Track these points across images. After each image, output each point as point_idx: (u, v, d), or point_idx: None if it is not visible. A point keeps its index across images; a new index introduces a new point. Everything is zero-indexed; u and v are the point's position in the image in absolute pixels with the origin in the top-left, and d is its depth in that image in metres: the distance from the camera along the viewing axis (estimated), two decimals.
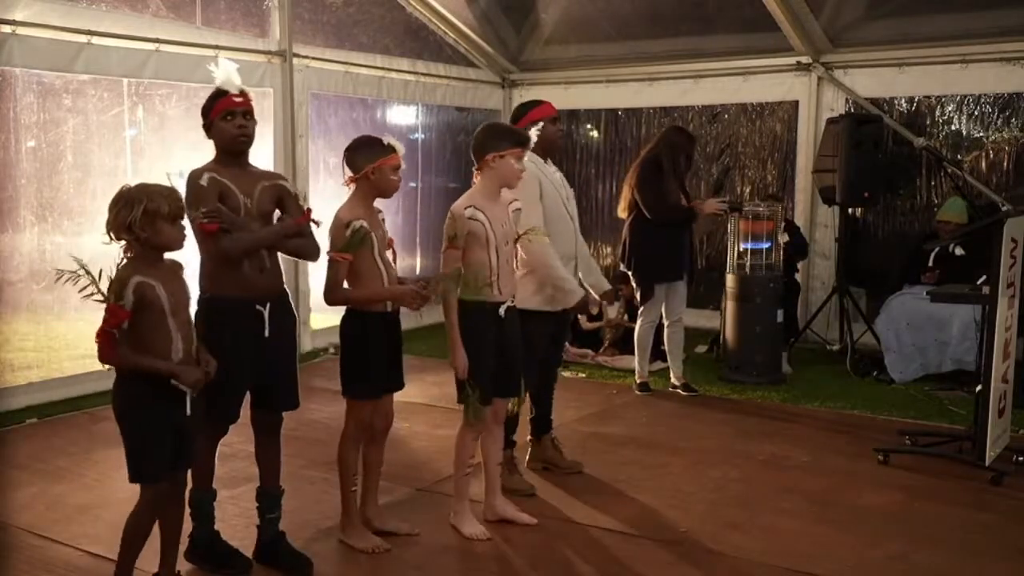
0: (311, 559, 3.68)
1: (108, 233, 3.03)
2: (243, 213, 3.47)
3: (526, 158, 4.34)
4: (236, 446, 4.20)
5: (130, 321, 2.95)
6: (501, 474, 4.44)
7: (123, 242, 3.03)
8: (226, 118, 3.50)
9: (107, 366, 3.04)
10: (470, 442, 3.98)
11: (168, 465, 3.13)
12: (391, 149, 3.66)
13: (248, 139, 3.56)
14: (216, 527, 3.72)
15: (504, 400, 4.02)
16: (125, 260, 3.03)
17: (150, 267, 3.02)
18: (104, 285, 2.96)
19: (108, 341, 2.95)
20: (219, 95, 3.53)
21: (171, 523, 3.31)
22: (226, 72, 3.56)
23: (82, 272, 2.95)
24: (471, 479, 4.05)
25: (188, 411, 3.10)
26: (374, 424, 3.86)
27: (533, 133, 4.01)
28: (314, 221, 3.63)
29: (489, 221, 3.77)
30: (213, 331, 3.37)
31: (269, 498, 3.73)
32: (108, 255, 3.07)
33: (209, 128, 3.55)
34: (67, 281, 2.97)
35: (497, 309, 3.83)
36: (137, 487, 3.16)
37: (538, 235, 4.11)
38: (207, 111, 3.55)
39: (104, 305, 2.94)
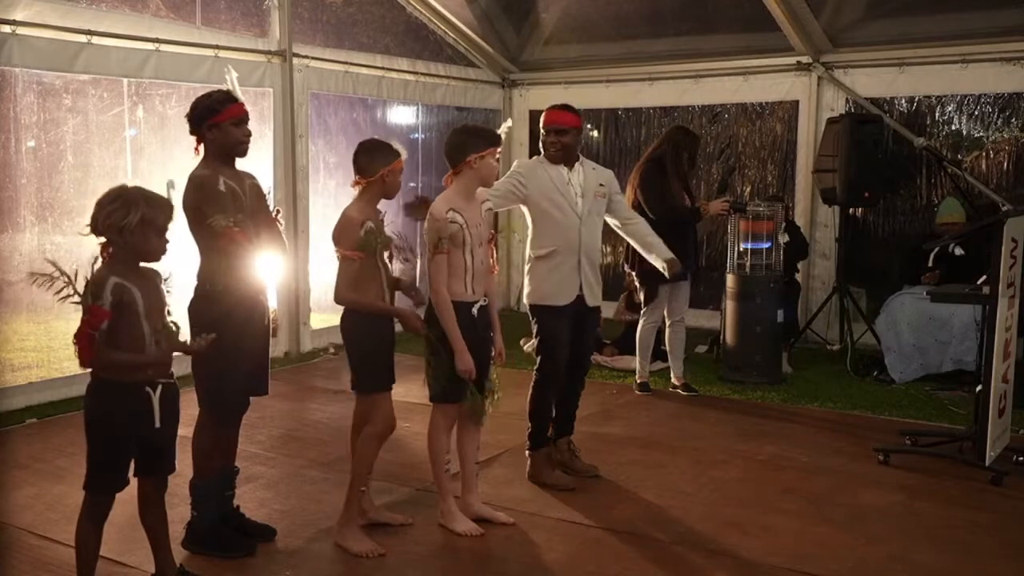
0: (274, 528, 3.90)
1: (93, 228, 3.02)
2: (246, 212, 3.64)
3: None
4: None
5: (108, 322, 2.93)
6: (541, 471, 4.57)
7: (103, 240, 3.02)
8: (237, 124, 3.64)
9: (87, 369, 3.03)
10: (443, 439, 4.03)
11: (124, 477, 3.15)
12: (399, 153, 3.76)
13: (248, 146, 3.74)
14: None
15: None
16: (102, 261, 3.01)
17: (127, 270, 3.01)
18: (80, 286, 2.94)
19: (88, 343, 2.91)
20: (229, 100, 3.66)
21: (154, 526, 3.32)
22: (234, 80, 3.77)
23: (57, 274, 2.93)
24: (460, 480, 4.11)
25: (157, 423, 3.11)
26: (360, 420, 3.93)
27: (504, 129, 4.22)
28: (278, 220, 3.88)
29: (466, 222, 3.85)
30: (220, 321, 3.48)
31: (227, 476, 3.88)
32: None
33: (211, 129, 3.62)
34: (42, 285, 2.94)
35: (470, 308, 3.89)
36: (133, 490, 3.20)
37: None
38: (212, 113, 3.61)
39: (80, 307, 2.93)
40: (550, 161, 4.60)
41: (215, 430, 3.78)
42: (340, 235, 3.69)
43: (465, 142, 3.92)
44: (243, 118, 3.68)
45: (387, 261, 3.81)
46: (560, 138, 4.56)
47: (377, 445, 3.85)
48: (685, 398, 6.33)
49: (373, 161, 3.73)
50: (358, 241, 3.65)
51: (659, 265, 4.95)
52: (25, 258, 5.84)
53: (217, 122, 3.61)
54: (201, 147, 3.68)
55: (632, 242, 5.11)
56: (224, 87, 3.80)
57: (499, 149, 3.98)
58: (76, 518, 3.19)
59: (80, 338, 2.92)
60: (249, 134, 3.72)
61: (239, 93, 3.73)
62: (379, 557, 3.74)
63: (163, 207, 3.08)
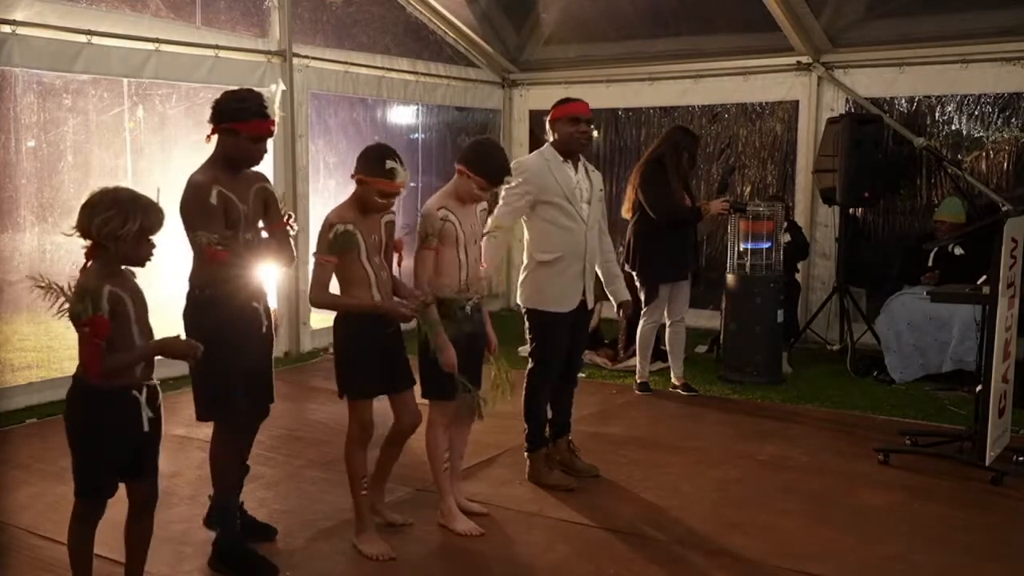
0: (274, 527, 3.84)
1: (83, 232, 2.94)
2: (243, 221, 3.50)
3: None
4: None
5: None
6: (540, 471, 4.59)
7: (88, 243, 2.94)
8: (255, 140, 3.48)
9: (96, 380, 2.93)
10: (441, 438, 4.04)
11: (114, 482, 3.08)
12: (389, 174, 3.60)
13: (258, 162, 3.61)
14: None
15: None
16: (89, 268, 2.94)
17: (116, 276, 2.96)
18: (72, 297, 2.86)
19: (97, 355, 2.85)
20: (260, 114, 3.46)
21: (136, 540, 3.22)
22: (277, 95, 3.62)
23: (54, 288, 2.86)
24: (449, 475, 4.14)
25: (145, 427, 3.03)
26: (400, 422, 3.87)
27: (513, 182, 4.16)
28: (290, 226, 3.70)
29: (459, 221, 3.87)
30: (215, 327, 3.41)
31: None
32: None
33: (228, 133, 3.45)
34: (43, 296, 2.87)
35: (463, 306, 3.89)
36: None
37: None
38: (237, 119, 3.43)
39: (73, 323, 2.86)
40: (574, 153, 4.51)
41: (230, 443, 3.67)
42: (318, 239, 3.66)
43: (471, 158, 3.91)
44: (264, 136, 3.50)
45: (380, 263, 3.73)
46: (590, 127, 4.53)
47: (356, 450, 3.81)
48: (685, 398, 6.33)
49: (361, 163, 3.66)
50: (326, 245, 3.60)
51: (613, 301, 4.89)
52: (25, 258, 5.84)
53: (236, 129, 3.43)
54: (214, 138, 3.51)
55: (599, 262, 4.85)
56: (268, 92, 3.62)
57: (491, 185, 3.90)
58: None
59: (87, 351, 2.86)
60: (264, 152, 3.55)
61: (276, 110, 3.54)
62: (389, 560, 3.73)
63: (157, 214, 3.01)
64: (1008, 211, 4.96)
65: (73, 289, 2.89)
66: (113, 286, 2.91)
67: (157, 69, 6.29)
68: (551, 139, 4.59)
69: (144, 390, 3.04)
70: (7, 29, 5.45)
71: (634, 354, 6.62)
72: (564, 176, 4.50)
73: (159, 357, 3.08)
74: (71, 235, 2.97)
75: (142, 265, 3.05)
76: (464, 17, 8.74)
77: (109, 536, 3.28)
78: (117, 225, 2.89)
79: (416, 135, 8.95)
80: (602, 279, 4.84)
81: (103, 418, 2.98)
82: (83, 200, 2.98)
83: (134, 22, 6.26)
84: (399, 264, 3.86)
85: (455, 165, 3.96)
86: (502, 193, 4.39)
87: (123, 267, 3.03)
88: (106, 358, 2.88)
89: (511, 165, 4.16)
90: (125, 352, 2.94)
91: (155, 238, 3.03)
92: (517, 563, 3.77)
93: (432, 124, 9.04)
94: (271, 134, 3.54)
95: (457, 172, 3.94)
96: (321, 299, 3.69)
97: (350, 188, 3.78)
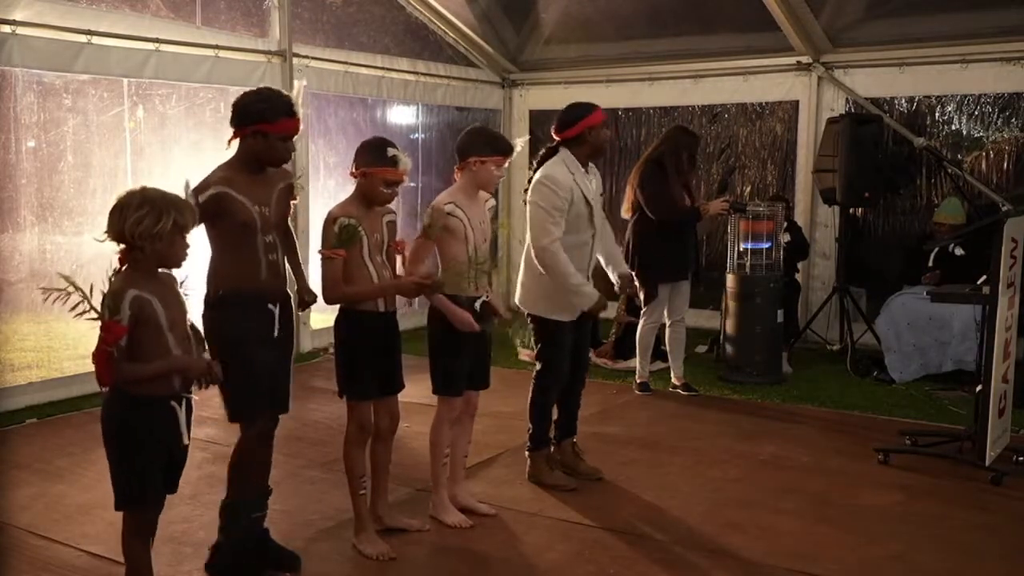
0: (299, 555, 3.68)
1: (115, 236, 2.84)
2: (259, 223, 3.42)
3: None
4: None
5: (128, 337, 2.77)
6: (541, 471, 4.59)
7: (121, 246, 2.85)
8: (284, 139, 3.41)
9: (105, 387, 2.86)
10: (446, 433, 4.07)
11: (157, 493, 2.98)
12: (392, 161, 3.61)
13: (287, 160, 3.55)
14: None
15: (476, 393, 4.16)
16: (120, 271, 2.85)
17: (146, 280, 2.85)
18: (96, 300, 2.76)
19: (106, 360, 2.75)
20: (288, 112, 3.39)
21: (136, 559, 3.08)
22: (301, 90, 3.63)
23: (72, 289, 2.74)
24: (450, 473, 4.17)
25: (185, 440, 2.95)
26: (379, 424, 3.87)
27: (519, 143, 4.12)
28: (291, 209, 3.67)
29: (468, 218, 3.88)
30: (230, 328, 3.36)
31: (259, 497, 3.69)
32: (106, 256, 2.95)
33: (255, 136, 3.37)
34: (56, 300, 2.75)
35: (473, 303, 3.91)
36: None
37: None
38: (264, 120, 3.34)
39: (98, 323, 2.75)
40: (597, 157, 4.53)
41: (251, 446, 3.57)
42: (322, 235, 3.65)
43: (472, 144, 3.95)
44: (293, 134, 3.41)
45: (382, 261, 3.72)
46: (608, 130, 4.51)
47: (354, 450, 3.82)
48: (685, 398, 6.33)
49: (360, 156, 3.67)
50: (333, 239, 3.59)
51: (614, 276, 4.83)
52: (25, 258, 5.84)
53: (265, 131, 3.34)
54: (235, 143, 3.43)
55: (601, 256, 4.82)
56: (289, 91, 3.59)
57: (506, 160, 3.98)
58: (76, 518, 3.17)
59: (98, 356, 2.76)
60: (293, 150, 3.49)
61: (300, 106, 3.47)
62: (390, 560, 3.73)
63: (188, 210, 2.94)
64: (1008, 211, 4.96)
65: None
66: (141, 291, 2.81)
67: (157, 69, 6.29)
68: (570, 145, 4.43)
69: (183, 401, 2.95)
70: (7, 29, 5.45)
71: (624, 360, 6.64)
72: (586, 188, 4.43)
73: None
74: (103, 241, 2.87)
75: (178, 265, 2.96)
76: (464, 17, 8.74)
77: (109, 536, 3.29)
78: (151, 224, 2.80)
79: (416, 135, 8.95)
80: (601, 260, 4.75)
81: (136, 425, 2.88)
82: (111, 205, 2.88)
83: (134, 22, 6.26)
84: (403, 264, 3.86)
85: (459, 163, 3.96)
86: (540, 201, 4.29)
87: (160, 271, 2.93)
88: (120, 366, 2.78)
89: (543, 179, 4.30)
90: (144, 362, 2.83)
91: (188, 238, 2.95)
92: (517, 563, 3.78)
93: (432, 124, 9.04)
94: (298, 132, 3.48)
95: (466, 167, 3.93)
96: (336, 294, 3.67)
97: (349, 188, 3.78)
